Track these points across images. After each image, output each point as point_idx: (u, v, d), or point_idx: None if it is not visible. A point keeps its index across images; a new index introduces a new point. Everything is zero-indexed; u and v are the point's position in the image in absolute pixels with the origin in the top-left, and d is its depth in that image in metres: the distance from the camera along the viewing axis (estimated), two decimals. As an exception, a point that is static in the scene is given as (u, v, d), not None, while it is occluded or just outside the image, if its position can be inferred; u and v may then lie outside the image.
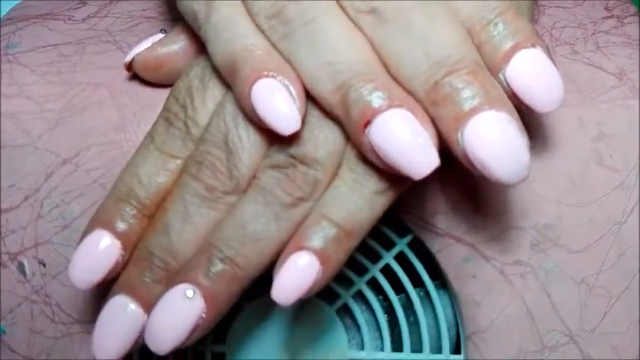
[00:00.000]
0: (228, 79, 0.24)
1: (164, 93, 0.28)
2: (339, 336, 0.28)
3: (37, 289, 0.28)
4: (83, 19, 0.32)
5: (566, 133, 0.26)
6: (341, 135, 0.23)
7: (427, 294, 0.28)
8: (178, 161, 0.25)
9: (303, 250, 0.22)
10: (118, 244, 0.24)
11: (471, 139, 0.21)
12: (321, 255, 0.22)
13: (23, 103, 0.28)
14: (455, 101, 0.22)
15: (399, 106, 0.22)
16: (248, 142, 0.24)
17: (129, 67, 0.28)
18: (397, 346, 0.28)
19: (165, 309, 0.23)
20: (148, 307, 0.23)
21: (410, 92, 0.22)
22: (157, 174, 0.25)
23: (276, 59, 0.23)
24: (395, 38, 0.22)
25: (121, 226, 0.24)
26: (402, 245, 0.28)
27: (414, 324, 0.28)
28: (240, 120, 0.24)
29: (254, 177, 0.24)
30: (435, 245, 0.27)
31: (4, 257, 0.28)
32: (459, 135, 0.22)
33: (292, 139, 0.23)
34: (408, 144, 0.22)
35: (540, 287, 0.26)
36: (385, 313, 0.28)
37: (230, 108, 0.24)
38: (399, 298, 0.28)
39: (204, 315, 0.23)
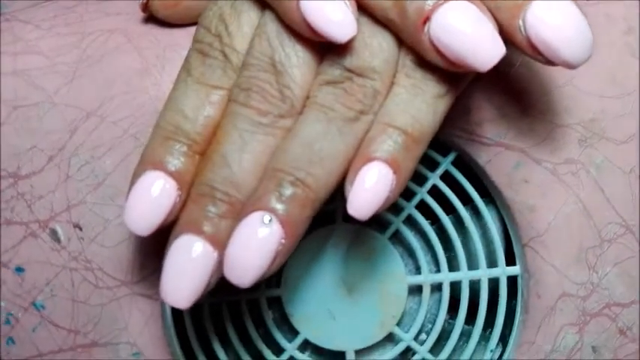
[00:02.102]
0: (269, -4, 0.23)
1: (184, 32, 0.27)
2: (395, 263, 0.27)
3: (74, 256, 0.26)
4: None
5: (597, 30, 0.26)
6: (394, 41, 0.23)
7: (474, 211, 0.28)
8: (221, 92, 0.23)
9: (375, 160, 0.22)
10: (173, 183, 0.23)
11: (535, 23, 0.21)
12: (393, 163, 0.22)
13: (32, 59, 0.26)
14: None
15: None
16: (297, 60, 0.23)
17: (145, 7, 0.26)
18: (451, 267, 0.28)
19: (243, 239, 0.21)
20: (218, 243, 0.22)
21: None
22: (201, 107, 0.23)
23: None
24: None
25: (174, 164, 0.23)
26: (446, 164, 0.27)
27: (463, 243, 0.28)
28: (285, 38, 0.23)
29: (307, 96, 0.23)
30: (483, 156, 0.27)
31: (34, 226, 0.26)
32: (520, 21, 0.21)
33: (346, 51, 0.22)
34: (473, 34, 0.21)
35: (593, 182, 0.26)
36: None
37: (272, 27, 0.23)
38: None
39: (283, 240, 0.21)
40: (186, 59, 0.24)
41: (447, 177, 0.28)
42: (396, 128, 0.22)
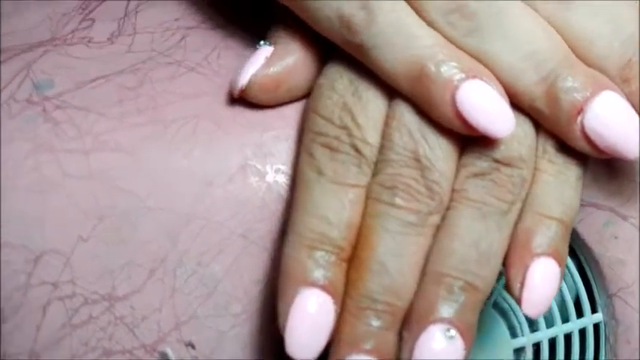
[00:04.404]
0: (410, 86, 0.21)
1: (275, 113, 0.24)
2: (499, 328, 0.27)
3: (187, 378, 0.23)
4: (109, 39, 0.26)
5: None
6: (533, 127, 0.22)
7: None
8: (359, 190, 0.22)
9: (541, 257, 0.22)
10: (329, 298, 0.21)
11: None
12: (557, 256, 0.22)
13: (111, 157, 0.22)
14: None
15: (607, 88, 0.22)
16: (442, 153, 0.22)
17: (241, 92, 0.23)
18: (536, 324, 0.28)
19: (427, 355, 0.20)
20: (388, 358, 0.21)
21: (600, 72, 0.22)
22: (343, 210, 0.21)
23: (468, 58, 0.21)
24: (580, 18, 0.22)
25: (326, 277, 0.21)
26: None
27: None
28: (427, 130, 0.22)
29: (453, 190, 0.22)
30: (576, 216, 0.27)
31: (139, 352, 0.22)
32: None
33: (494, 142, 0.22)
34: (625, 124, 0.22)
35: (674, 233, 0.28)
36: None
37: (411, 118, 0.22)
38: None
39: (464, 351, 0.21)
40: (309, 154, 0.22)
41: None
42: (553, 219, 0.22)
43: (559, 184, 0.22)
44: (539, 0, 0.22)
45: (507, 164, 0.22)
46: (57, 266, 0.21)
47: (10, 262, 0.21)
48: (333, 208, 0.21)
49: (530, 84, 0.21)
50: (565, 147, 0.22)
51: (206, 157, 0.23)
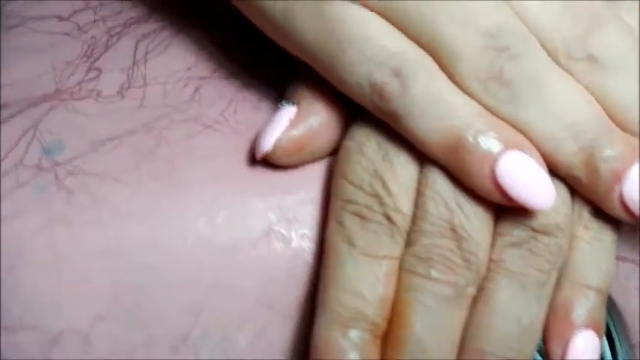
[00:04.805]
0: (446, 156, 0.21)
1: (298, 174, 0.23)
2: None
3: None
4: (119, 92, 0.25)
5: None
6: (569, 194, 0.22)
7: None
8: (391, 262, 0.21)
9: (582, 328, 0.21)
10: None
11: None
12: (596, 327, 0.21)
13: (128, 229, 0.21)
14: None
15: None
16: (478, 222, 0.21)
17: (264, 155, 0.22)
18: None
19: None
20: None
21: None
22: (377, 284, 0.21)
23: (507, 128, 0.20)
24: (617, 84, 0.21)
25: (362, 356, 0.20)
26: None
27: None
28: (462, 199, 0.21)
29: (490, 260, 0.21)
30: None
31: None
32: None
33: (532, 211, 0.21)
34: None
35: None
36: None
37: (445, 186, 0.21)
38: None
39: None
40: (339, 223, 0.21)
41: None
42: (591, 289, 0.22)
43: (596, 251, 0.22)
44: (576, 64, 0.21)
45: (545, 233, 0.21)
46: (75, 347, 0.20)
47: (25, 346, 0.20)
48: (367, 282, 0.20)
49: (569, 154, 0.21)
50: (600, 211, 0.22)
51: (228, 224, 0.22)
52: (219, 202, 0.22)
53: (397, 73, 0.20)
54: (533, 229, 0.21)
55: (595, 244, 0.22)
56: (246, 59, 0.26)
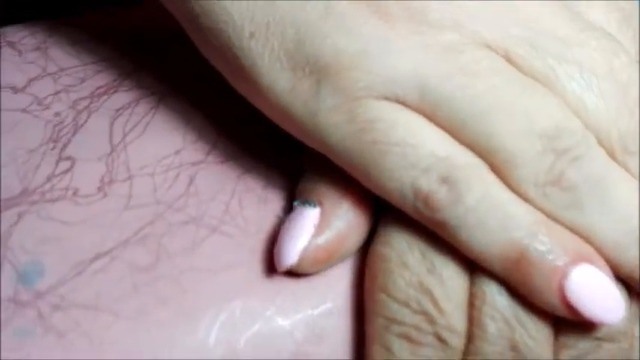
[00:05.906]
0: (506, 269, 0.18)
1: (325, 280, 0.20)
2: None
3: None
4: (99, 189, 0.21)
5: None
6: (627, 295, 0.20)
7: None
8: (445, 386, 0.18)
9: None
10: None
11: None
12: None
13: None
14: None
15: None
16: (540, 337, 0.19)
17: (289, 268, 0.19)
18: None
19: None
20: None
21: None
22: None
23: (572, 237, 0.18)
24: None
25: None
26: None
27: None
28: (522, 313, 0.19)
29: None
30: None
31: None
32: None
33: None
34: None
35: None
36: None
37: (504, 302, 0.19)
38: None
39: None
40: (385, 348, 0.19)
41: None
42: None
43: None
44: (632, 159, 0.19)
45: (609, 340, 0.19)
46: None
47: None
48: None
49: (632, 259, 0.19)
50: None
51: (252, 347, 0.19)
52: (238, 327, 0.19)
53: (446, 180, 0.18)
54: (598, 339, 0.19)
55: None
56: (241, 132, 0.23)
